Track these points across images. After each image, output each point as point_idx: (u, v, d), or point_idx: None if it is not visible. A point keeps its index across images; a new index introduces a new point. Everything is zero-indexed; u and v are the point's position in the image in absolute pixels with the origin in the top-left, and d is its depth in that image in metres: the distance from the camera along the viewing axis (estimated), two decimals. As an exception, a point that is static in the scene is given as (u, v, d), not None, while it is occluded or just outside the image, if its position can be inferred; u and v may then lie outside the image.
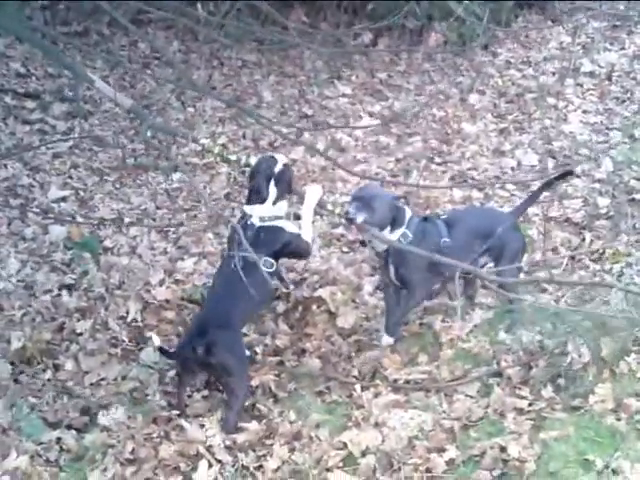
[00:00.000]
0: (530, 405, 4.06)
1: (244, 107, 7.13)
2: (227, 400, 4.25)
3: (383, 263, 4.72)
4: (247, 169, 4.87)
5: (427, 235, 4.62)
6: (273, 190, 4.58)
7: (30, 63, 8.25)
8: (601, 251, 5.42)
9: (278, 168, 4.63)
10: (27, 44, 7.78)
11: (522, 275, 5.02)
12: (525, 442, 3.79)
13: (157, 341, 4.39)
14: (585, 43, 9.06)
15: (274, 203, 4.59)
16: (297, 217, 4.82)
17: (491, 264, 4.77)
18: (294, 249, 4.68)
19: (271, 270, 4.45)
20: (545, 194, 5.44)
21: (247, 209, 4.64)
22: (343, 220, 4.69)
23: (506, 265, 4.69)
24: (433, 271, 4.66)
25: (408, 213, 4.65)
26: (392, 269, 4.67)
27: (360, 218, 4.45)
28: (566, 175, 5.44)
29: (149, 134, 5.94)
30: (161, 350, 4.39)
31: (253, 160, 4.86)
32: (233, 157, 4.91)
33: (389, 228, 4.57)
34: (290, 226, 4.66)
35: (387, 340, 4.70)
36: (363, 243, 5.18)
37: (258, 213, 4.57)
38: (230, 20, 6.99)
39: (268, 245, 4.50)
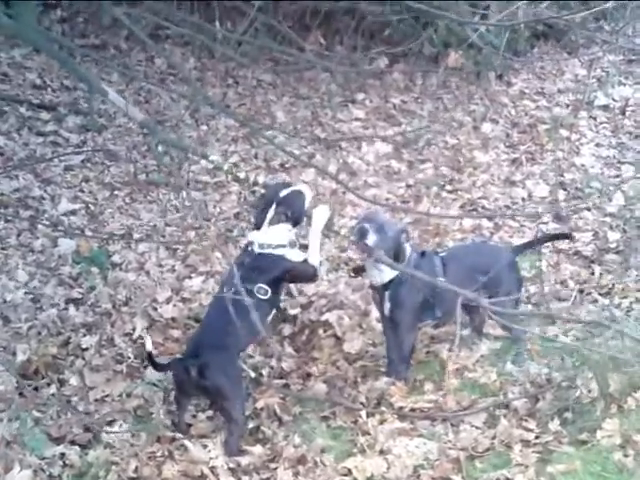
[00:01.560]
0: (537, 438, 4.03)
1: (257, 126, 7.12)
2: (226, 425, 4.21)
3: (378, 297, 4.68)
4: (256, 188, 4.86)
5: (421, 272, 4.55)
6: (270, 215, 4.54)
7: (46, 74, 8.28)
8: (610, 286, 5.41)
9: (284, 193, 4.60)
10: (44, 55, 7.82)
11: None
12: (531, 475, 3.77)
13: (149, 345, 4.33)
14: (600, 76, 9.05)
15: (270, 226, 4.55)
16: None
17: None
18: (298, 275, 4.65)
19: (265, 297, 4.43)
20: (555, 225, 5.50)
21: (250, 235, 4.64)
22: (353, 237, 4.54)
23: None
24: (426, 309, 4.64)
25: (408, 248, 4.61)
26: (388, 305, 4.61)
27: (372, 238, 4.38)
28: (566, 237, 5.47)
29: (160, 149, 5.93)
30: (150, 357, 4.35)
31: (262, 179, 4.84)
32: (242, 175, 4.89)
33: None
34: (292, 254, 4.58)
35: (388, 381, 4.62)
36: (356, 271, 5.15)
37: (257, 240, 4.55)
38: (247, 39, 7.03)
39: (265, 273, 4.46)
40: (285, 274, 4.56)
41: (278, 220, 4.55)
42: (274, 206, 4.54)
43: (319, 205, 4.86)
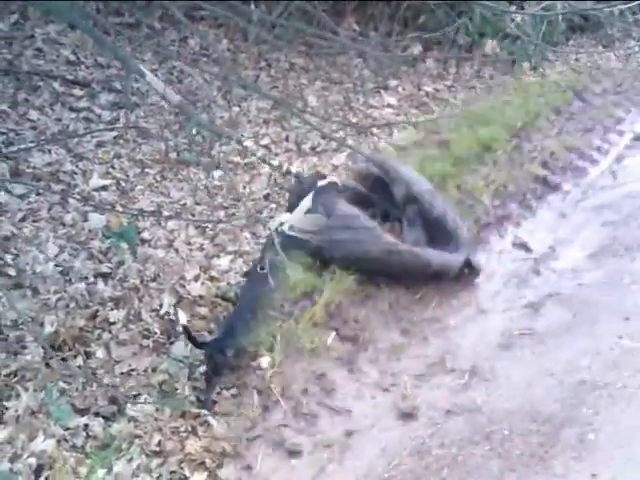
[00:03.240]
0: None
1: (292, 105, 7.11)
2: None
3: None
4: (289, 176, 4.88)
5: None
6: (306, 204, 4.58)
7: (80, 51, 8.27)
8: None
9: (320, 184, 4.65)
10: (79, 32, 7.82)
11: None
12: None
13: (183, 319, 4.35)
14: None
15: (304, 214, 4.59)
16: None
17: None
18: None
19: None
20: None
21: (282, 216, 4.66)
22: None
23: None
24: None
25: None
26: None
27: None
28: None
29: (194, 132, 5.92)
30: (187, 332, 4.37)
31: (295, 166, 4.86)
32: (275, 162, 4.91)
33: None
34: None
35: None
36: None
37: (290, 222, 4.58)
38: (281, 22, 7.02)
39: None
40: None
41: (315, 209, 4.59)
42: (311, 196, 4.59)
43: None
